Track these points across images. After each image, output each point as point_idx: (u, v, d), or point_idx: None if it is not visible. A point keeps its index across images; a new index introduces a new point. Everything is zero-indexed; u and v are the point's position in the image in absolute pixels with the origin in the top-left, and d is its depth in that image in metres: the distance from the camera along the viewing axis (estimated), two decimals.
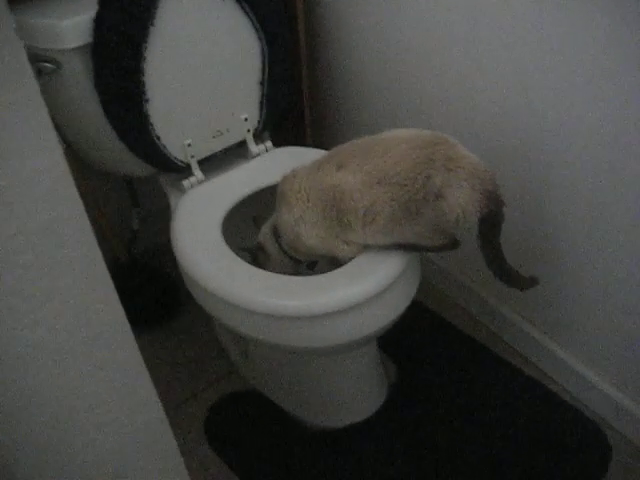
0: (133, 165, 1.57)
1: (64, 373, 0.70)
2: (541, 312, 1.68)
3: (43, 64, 1.39)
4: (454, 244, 1.30)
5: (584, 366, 1.62)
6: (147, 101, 1.44)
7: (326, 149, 1.40)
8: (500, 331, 1.83)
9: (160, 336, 1.95)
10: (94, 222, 1.75)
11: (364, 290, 1.26)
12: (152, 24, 1.37)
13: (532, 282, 1.30)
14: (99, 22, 1.33)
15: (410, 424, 1.63)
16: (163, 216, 1.59)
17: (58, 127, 1.56)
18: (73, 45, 1.35)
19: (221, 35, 1.51)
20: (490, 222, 1.23)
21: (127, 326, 0.73)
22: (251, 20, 1.53)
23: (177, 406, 1.75)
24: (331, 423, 1.65)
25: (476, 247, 1.26)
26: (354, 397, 1.65)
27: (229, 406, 1.74)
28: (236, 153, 1.70)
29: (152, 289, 1.94)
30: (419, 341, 1.84)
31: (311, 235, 1.34)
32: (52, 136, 0.58)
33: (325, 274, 1.30)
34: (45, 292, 0.64)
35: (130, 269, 1.92)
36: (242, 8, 1.50)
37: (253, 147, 1.68)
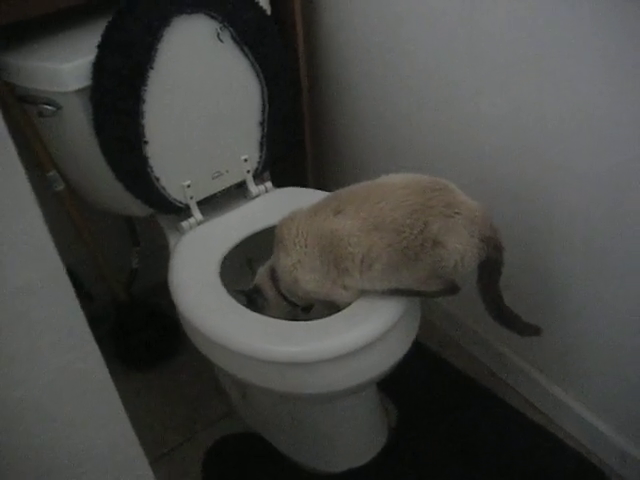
0: (132, 206, 1.56)
1: (45, 432, 0.69)
2: (546, 356, 1.66)
3: (43, 106, 1.39)
4: (453, 289, 1.28)
5: (589, 412, 1.59)
6: (146, 143, 1.44)
7: (328, 189, 1.40)
8: (504, 374, 1.81)
9: (159, 375, 1.93)
10: (93, 262, 1.75)
11: (363, 335, 1.24)
12: (151, 67, 1.37)
13: (533, 331, 1.28)
14: (98, 65, 1.33)
15: (410, 469, 1.60)
16: (163, 255, 1.58)
17: (58, 167, 1.56)
18: (73, 88, 1.35)
19: (220, 76, 1.51)
20: (489, 268, 1.22)
21: (110, 384, 0.72)
22: (250, 62, 1.53)
23: (174, 448, 1.73)
24: (330, 467, 1.62)
25: (477, 289, 1.24)
26: (353, 441, 1.63)
27: (227, 448, 1.72)
28: (236, 194, 1.69)
29: (151, 328, 1.93)
30: (420, 383, 1.81)
31: (309, 280, 1.32)
32: (30, 198, 0.57)
33: (323, 319, 1.29)
34: (24, 352, 0.63)
35: (129, 308, 1.91)
36: (242, 50, 1.50)
37: (253, 188, 1.68)
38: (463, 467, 1.59)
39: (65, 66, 1.34)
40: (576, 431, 1.64)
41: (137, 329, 1.92)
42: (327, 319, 1.29)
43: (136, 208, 1.58)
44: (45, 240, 0.61)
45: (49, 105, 1.39)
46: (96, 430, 0.73)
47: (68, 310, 0.65)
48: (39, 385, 0.65)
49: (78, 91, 1.36)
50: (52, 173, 1.56)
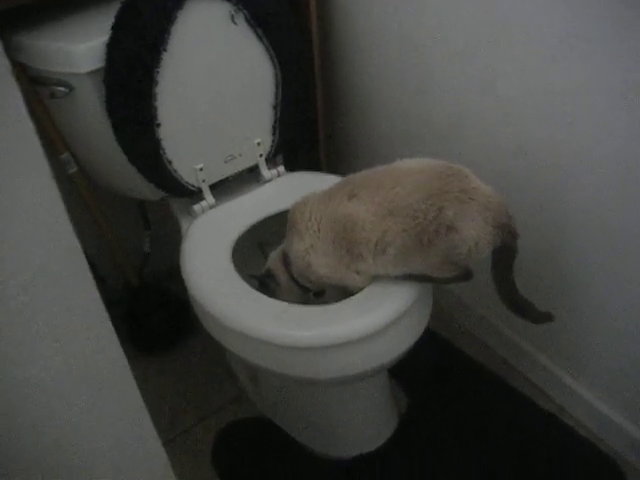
0: (144, 189, 1.56)
1: (58, 412, 0.68)
2: (557, 344, 1.65)
3: (56, 87, 1.39)
4: (467, 275, 1.27)
5: (600, 400, 1.58)
6: (158, 125, 1.43)
7: (341, 174, 1.39)
8: (515, 362, 1.80)
9: (170, 359, 1.94)
10: (106, 245, 1.75)
11: (375, 321, 1.23)
12: (165, 49, 1.36)
13: (546, 318, 1.28)
14: (112, 47, 1.32)
15: (420, 455, 1.60)
16: (175, 239, 1.58)
17: (70, 149, 1.56)
18: (86, 69, 1.35)
19: (234, 59, 1.50)
20: (503, 254, 1.21)
21: (126, 365, 0.71)
22: (264, 44, 1.52)
23: (185, 431, 1.74)
24: (340, 452, 1.62)
25: (490, 276, 1.23)
26: (364, 427, 1.63)
27: (237, 432, 1.73)
28: (248, 178, 1.68)
29: (163, 313, 1.93)
30: (431, 370, 1.81)
31: (322, 264, 1.32)
32: (47, 176, 0.56)
33: (335, 304, 1.28)
34: (39, 334, 0.62)
35: (141, 293, 1.91)
36: (255, 32, 1.49)
37: (265, 172, 1.67)
38: (473, 454, 1.59)
39: (78, 47, 1.34)
40: (587, 419, 1.63)
41: (149, 313, 1.92)
42: (339, 304, 1.28)
43: (148, 191, 1.57)
44: (62, 220, 0.60)
45: (61, 86, 1.38)
46: (111, 411, 0.72)
47: (83, 290, 0.64)
48: (54, 366, 0.65)
49: (91, 73, 1.36)
50: (65, 155, 1.56)
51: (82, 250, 0.63)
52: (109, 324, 0.67)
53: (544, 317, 1.28)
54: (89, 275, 0.63)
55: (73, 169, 1.58)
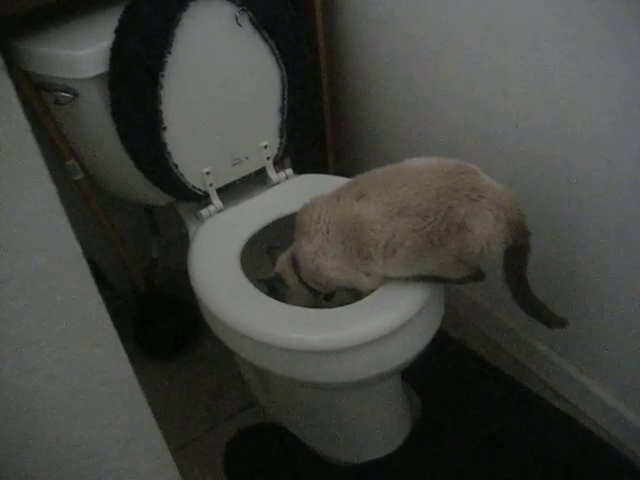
0: (151, 194, 1.55)
1: (62, 421, 0.67)
2: (572, 344, 1.62)
3: (60, 93, 1.38)
4: (478, 276, 1.26)
5: (617, 401, 1.55)
6: (164, 129, 1.42)
7: (349, 176, 1.38)
8: (529, 363, 1.78)
9: (180, 366, 1.93)
10: (114, 251, 1.75)
11: (387, 323, 1.22)
12: (169, 52, 1.35)
13: (560, 322, 1.25)
14: (116, 51, 1.31)
15: (434, 460, 1.58)
16: (184, 244, 1.57)
17: (76, 156, 1.55)
18: (90, 74, 1.34)
19: (239, 62, 1.49)
20: (516, 253, 1.19)
21: (130, 371, 0.70)
22: (270, 46, 1.51)
23: (196, 438, 1.72)
24: (352, 458, 1.60)
25: (503, 276, 1.21)
26: (376, 431, 1.61)
27: (249, 439, 1.71)
28: (256, 181, 1.67)
29: (172, 318, 1.92)
30: (445, 372, 1.78)
31: (331, 267, 1.30)
32: (46, 178, 0.55)
33: (346, 307, 1.27)
34: (42, 338, 0.61)
35: (150, 298, 1.90)
36: (260, 34, 1.48)
37: (273, 175, 1.66)
38: (487, 457, 1.56)
39: (82, 52, 1.33)
40: (604, 420, 1.60)
41: (158, 319, 1.91)
42: (350, 306, 1.27)
43: (155, 196, 1.56)
44: (61, 222, 0.59)
45: (66, 92, 1.38)
46: (115, 419, 0.71)
47: (85, 295, 0.63)
48: (54, 372, 0.63)
49: (95, 78, 1.35)
50: (71, 162, 1.55)
51: (83, 255, 0.61)
52: (112, 329, 0.66)
53: (558, 321, 1.26)
54: (91, 279, 0.62)
55: (79, 175, 1.58)
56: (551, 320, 1.26)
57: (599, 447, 1.56)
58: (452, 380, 1.77)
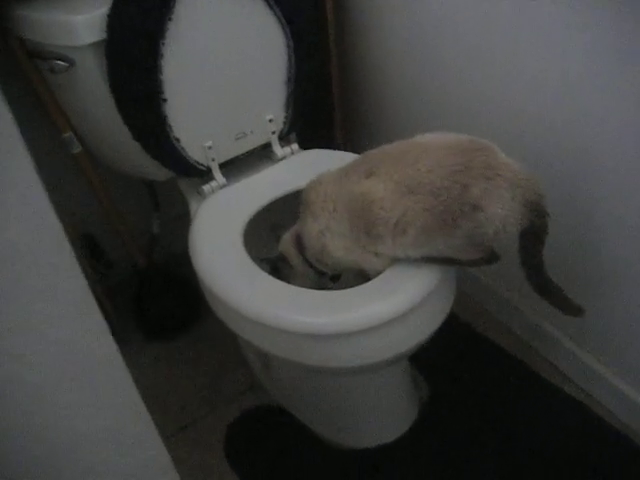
0: (151, 168, 1.50)
1: (45, 411, 0.62)
2: (587, 330, 1.57)
3: (55, 62, 1.33)
4: (492, 258, 1.21)
5: (632, 388, 1.51)
6: (165, 101, 1.37)
7: (357, 152, 1.33)
8: (541, 348, 1.73)
9: (179, 346, 1.89)
10: (113, 228, 1.71)
11: (396, 306, 1.17)
12: (170, 19, 1.30)
13: (577, 310, 1.20)
14: (113, 17, 1.26)
15: (442, 446, 1.54)
16: (185, 221, 1.53)
17: (74, 128, 1.51)
18: (86, 42, 1.29)
19: (244, 30, 1.44)
20: (533, 235, 1.13)
21: (118, 357, 0.65)
22: (276, 14, 1.45)
23: (196, 420, 1.69)
24: (358, 443, 1.57)
25: (517, 257, 1.16)
26: (383, 416, 1.57)
27: (250, 422, 1.68)
28: (260, 156, 1.62)
29: (172, 296, 1.89)
30: (453, 356, 1.74)
31: (338, 246, 1.26)
32: (20, 145, 0.49)
33: (353, 289, 1.22)
34: (20, 323, 0.56)
35: (149, 275, 1.87)
36: (267, 3, 1.42)
37: (278, 150, 1.61)
38: (496, 444, 1.53)
39: (78, 18, 1.28)
40: (617, 408, 1.56)
41: (158, 297, 1.88)
42: (357, 288, 1.22)
43: (155, 171, 1.52)
44: (43, 204, 0.53)
45: (61, 61, 1.33)
46: (102, 408, 0.66)
47: (70, 278, 0.58)
48: (37, 359, 0.58)
49: (92, 45, 1.30)
50: (68, 135, 1.51)
51: (67, 239, 0.56)
52: (99, 314, 0.61)
53: (575, 309, 1.21)
54: (73, 259, 0.56)
55: (77, 149, 1.53)
56: (568, 307, 1.21)
57: (612, 435, 1.52)
58: (461, 364, 1.73)
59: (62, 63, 1.32)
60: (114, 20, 1.26)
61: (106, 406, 0.66)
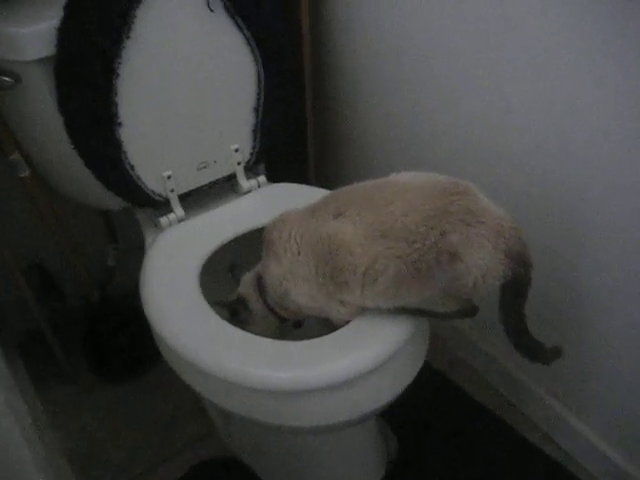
0: (104, 197, 1.40)
1: None
2: (567, 385, 1.51)
3: (1, 77, 1.23)
4: (470, 312, 1.13)
5: (613, 449, 1.45)
6: (120, 125, 1.28)
7: (331, 188, 1.24)
8: (519, 402, 1.67)
9: (132, 388, 1.78)
10: (64, 257, 1.62)
11: (361, 363, 1.08)
12: (128, 36, 1.21)
13: (555, 353, 1.11)
14: (64, 31, 1.17)
15: None
16: (143, 253, 1.42)
17: (21, 150, 1.41)
18: (34, 57, 1.20)
19: (209, 52, 1.35)
20: (515, 288, 1.04)
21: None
22: (245, 37, 1.37)
23: (147, 470, 1.58)
24: None
25: (494, 306, 1.07)
26: (346, 475, 1.48)
27: (206, 474, 1.57)
28: (224, 188, 1.53)
29: (126, 334, 1.78)
30: (425, 407, 1.65)
31: (301, 292, 1.16)
32: None
33: (316, 340, 1.13)
34: None
35: (103, 311, 1.77)
36: (235, 22, 1.34)
37: (244, 182, 1.52)
38: None
39: (25, 31, 1.19)
40: (599, 471, 1.49)
41: (111, 335, 1.78)
42: (320, 340, 1.13)
43: (109, 200, 1.42)
44: None
45: (6, 76, 1.23)
46: None
47: None
48: None
49: (40, 61, 1.21)
50: (14, 156, 1.41)
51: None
52: None
53: (554, 354, 1.12)
54: None
55: (25, 172, 1.42)
56: (547, 358, 1.12)
57: None
58: (433, 417, 1.65)
59: (7, 79, 1.23)
60: (65, 35, 1.17)
61: None
